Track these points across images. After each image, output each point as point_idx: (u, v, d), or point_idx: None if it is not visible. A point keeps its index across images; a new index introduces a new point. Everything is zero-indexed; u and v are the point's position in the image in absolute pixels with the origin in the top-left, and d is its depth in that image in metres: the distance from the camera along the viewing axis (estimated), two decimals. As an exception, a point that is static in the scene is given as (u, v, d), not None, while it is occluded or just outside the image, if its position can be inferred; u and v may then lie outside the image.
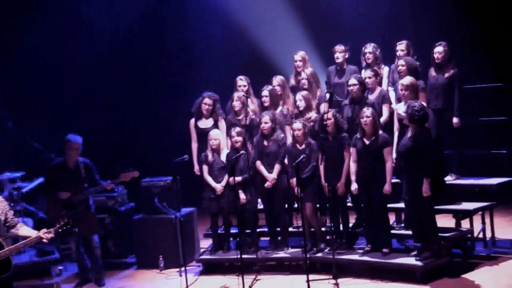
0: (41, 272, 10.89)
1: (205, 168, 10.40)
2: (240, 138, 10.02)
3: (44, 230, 7.34)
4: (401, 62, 9.99)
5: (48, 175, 10.30)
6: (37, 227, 10.74)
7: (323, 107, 10.20)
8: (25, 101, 14.08)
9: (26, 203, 11.78)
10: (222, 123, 10.65)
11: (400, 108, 9.72)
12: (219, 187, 10.25)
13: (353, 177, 9.54)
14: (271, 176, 10.00)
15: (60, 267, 11.12)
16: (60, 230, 7.43)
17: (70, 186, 9.91)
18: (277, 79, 10.84)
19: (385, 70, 10.60)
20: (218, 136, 10.35)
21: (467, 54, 11.49)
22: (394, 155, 9.62)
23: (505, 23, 10.96)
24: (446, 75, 9.99)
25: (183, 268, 9.20)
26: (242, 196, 10.00)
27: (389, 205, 9.63)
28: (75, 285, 10.16)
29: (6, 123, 12.29)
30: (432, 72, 10.16)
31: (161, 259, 10.79)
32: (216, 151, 10.34)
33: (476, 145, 10.93)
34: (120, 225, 11.38)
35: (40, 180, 11.72)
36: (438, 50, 10.06)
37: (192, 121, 10.76)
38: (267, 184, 10.01)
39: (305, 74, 10.59)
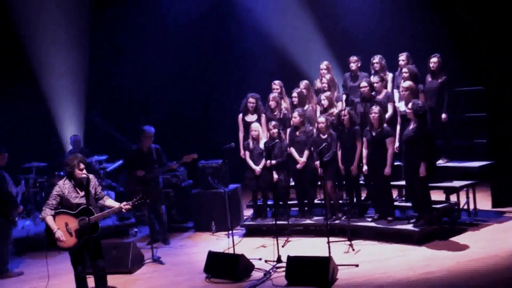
0: (120, 233, 11.05)
1: (247, 153, 10.42)
2: (275, 130, 10.04)
3: (124, 203, 7.44)
4: (405, 70, 9.92)
5: (127, 158, 10.44)
6: (118, 198, 10.91)
7: (340, 105, 10.26)
8: (109, 99, 14.24)
9: (110, 180, 11.95)
10: (263, 118, 10.65)
11: (401, 106, 9.69)
12: (257, 169, 10.26)
13: (364, 161, 9.52)
14: (301, 160, 10.01)
15: (136, 230, 11.27)
16: (136, 203, 7.51)
17: (144, 166, 10.02)
18: (303, 83, 10.87)
19: (389, 76, 10.53)
20: (258, 128, 10.36)
21: (455, 63, 11.37)
22: (397, 144, 9.61)
23: (487, 38, 10.83)
24: (439, 80, 9.90)
25: (230, 231, 9.19)
26: (276, 176, 10.03)
27: (392, 183, 9.59)
28: (146, 243, 10.23)
29: (93, 118, 12.41)
30: (428, 78, 10.07)
31: (213, 224, 10.85)
32: (256, 140, 10.35)
33: (462, 135, 10.82)
34: (182, 198, 11.49)
35: (120, 162, 11.85)
36: (434, 60, 9.97)
37: (240, 115, 10.79)
38: (298, 166, 10.03)
39: (326, 79, 10.59)
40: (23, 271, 9.37)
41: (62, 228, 7.21)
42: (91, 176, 7.44)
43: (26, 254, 10.50)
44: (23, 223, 11.54)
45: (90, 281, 7.49)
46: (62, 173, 10.93)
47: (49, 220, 7.22)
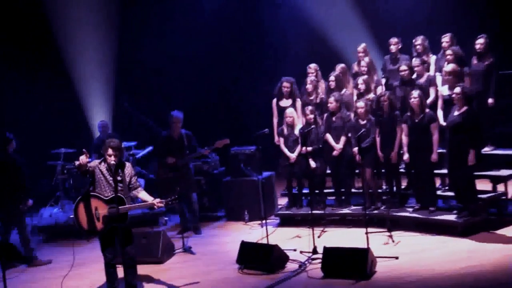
0: (151, 222, 11.10)
1: (281, 140, 10.37)
2: (312, 115, 9.96)
3: (158, 199, 7.39)
4: (449, 51, 9.73)
5: (157, 144, 10.45)
6: (147, 186, 11.02)
7: (380, 89, 10.13)
8: (138, 84, 14.33)
9: (139, 167, 12.01)
10: (298, 103, 10.59)
11: (444, 91, 9.53)
12: (292, 156, 10.21)
13: (405, 148, 9.40)
14: (338, 146, 9.94)
15: (166, 218, 11.32)
16: (170, 203, 7.45)
17: (175, 153, 10.06)
18: (339, 67, 10.82)
19: (432, 58, 10.37)
20: (292, 114, 10.30)
21: (503, 44, 11.13)
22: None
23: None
24: (485, 63, 9.69)
25: (264, 221, 9.17)
26: (312, 163, 9.98)
27: (435, 171, 9.46)
28: (177, 232, 10.28)
29: (123, 103, 12.50)
30: (474, 60, 9.86)
31: (246, 213, 10.86)
32: (291, 126, 10.29)
33: (509, 121, 10.59)
34: (213, 185, 11.50)
35: (150, 148, 11.93)
36: (480, 41, 9.74)
37: (274, 100, 10.75)
38: (334, 153, 9.95)
39: (364, 62, 10.48)
40: (51, 259, 9.49)
41: (92, 211, 7.26)
42: (127, 164, 7.49)
43: (54, 242, 10.67)
44: (51, 210, 11.69)
45: (120, 271, 7.55)
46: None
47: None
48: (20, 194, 9.16)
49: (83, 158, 7.20)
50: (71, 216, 7.92)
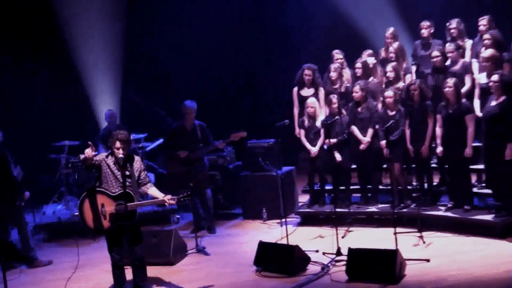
0: (161, 220, 11.14)
1: (302, 132, 10.35)
2: (336, 105, 9.93)
3: (169, 196, 7.37)
4: (486, 36, 9.61)
5: (168, 137, 10.47)
6: (158, 181, 11.04)
7: (410, 77, 10.06)
8: (147, 73, 14.36)
9: (149, 160, 12.03)
10: (321, 92, 10.53)
11: (481, 78, 9.43)
12: (313, 149, 10.17)
13: (438, 141, 9.33)
14: (365, 139, 9.88)
15: (178, 216, 11.36)
16: (182, 200, 7.42)
17: (187, 146, 10.07)
18: (367, 53, 10.80)
19: (468, 43, 10.27)
20: (314, 104, 10.25)
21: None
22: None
23: None
24: (528, 47, 9.60)
25: (283, 219, 9.14)
26: (337, 155, 9.93)
27: (470, 166, 9.38)
28: (190, 231, 10.29)
29: (130, 94, 12.51)
30: (514, 44, 9.79)
31: (264, 211, 10.87)
32: (312, 117, 10.25)
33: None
34: (229, 181, 11.54)
35: (160, 140, 11.94)
36: (521, 24, 9.68)
37: (295, 89, 10.71)
38: (362, 146, 9.90)
39: (393, 48, 10.42)
40: (52, 260, 9.52)
41: (98, 208, 7.27)
42: (136, 158, 7.49)
43: (57, 241, 10.72)
44: (54, 207, 11.75)
45: (128, 272, 7.57)
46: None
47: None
48: (12, 189, 9.12)
49: (88, 152, 7.20)
50: (76, 214, 7.95)
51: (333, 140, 9.77)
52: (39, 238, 10.83)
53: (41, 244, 10.52)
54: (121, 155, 7.26)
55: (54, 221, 11.07)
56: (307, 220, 10.48)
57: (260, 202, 10.94)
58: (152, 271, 8.00)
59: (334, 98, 9.97)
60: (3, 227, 9.29)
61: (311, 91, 10.58)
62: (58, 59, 13.70)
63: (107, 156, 7.39)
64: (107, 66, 13.95)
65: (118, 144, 7.28)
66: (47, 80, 13.62)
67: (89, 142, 7.33)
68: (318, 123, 10.21)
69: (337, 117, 9.76)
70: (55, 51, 13.77)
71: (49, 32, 13.76)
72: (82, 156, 7.26)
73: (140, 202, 7.41)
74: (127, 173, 7.32)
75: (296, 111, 10.72)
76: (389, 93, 9.66)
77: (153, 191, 7.52)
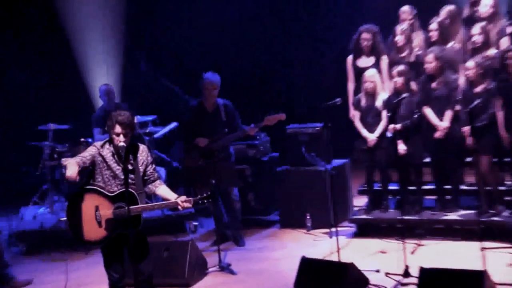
0: (174, 228, 11.22)
1: (357, 114, 10.36)
2: (401, 79, 9.85)
3: (184, 197, 7.36)
4: None
5: (185, 119, 10.47)
6: (169, 177, 11.05)
7: (505, 42, 9.97)
8: (159, 40, 14.48)
9: (158, 151, 12.05)
10: (383, 61, 10.56)
11: None
12: (371, 137, 10.17)
13: (542, 128, 9.26)
14: (442, 125, 9.79)
15: (195, 223, 11.45)
16: (200, 202, 7.44)
17: (208, 131, 10.08)
18: (445, 11, 10.68)
19: None
20: (374, 78, 10.23)
21: None
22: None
23: None
24: None
25: (333, 229, 9.13)
26: (402, 147, 9.85)
27: None
28: (211, 243, 10.36)
29: (139, 65, 12.57)
30: None
31: (308, 217, 10.89)
32: (371, 94, 10.24)
33: None
34: (262, 178, 11.57)
35: (173, 125, 11.97)
36: None
37: (350, 58, 10.71)
38: (437, 134, 9.83)
39: (486, 1, 10.26)
40: (33, 278, 9.56)
41: (91, 212, 7.23)
42: (142, 147, 7.49)
43: (39, 254, 10.79)
44: (35, 210, 11.80)
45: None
46: (90, 140, 11.09)
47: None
48: None
49: (72, 175, 7.07)
50: (63, 219, 7.93)
51: (399, 126, 9.72)
52: (15, 250, 10.91)
53: (18, 258, 10.61)
54: (122, 144, 7.23)
55: (35, 229, 11.16)
56: (365, 230, 10.50)
57: (303, 205, 10.97)
58: (161, 294, 8.04)
59: (395, 70, 9.91)
60: None
61: (370, 60, 10.61)
62: (44, 23, 13.84)
63: (102, 146, 7.34)
64: (105, 29, 14.08)
65: (118, 128, 7.24)
66: (29, 47, 13.71)
67: (78, 163, 7.22)
68: (379, 103, 10.18)
69: (404, 95, 9.65)
70: (39, 8, 13.88)
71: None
72: (64, 169, 7.17)
73: (146, 204, 7.39)
74: (130, 167, 7.30)
75: (351, 86, 10.76)
76: (470, 63, 9.54)
77: (162, 191, 7.53)
